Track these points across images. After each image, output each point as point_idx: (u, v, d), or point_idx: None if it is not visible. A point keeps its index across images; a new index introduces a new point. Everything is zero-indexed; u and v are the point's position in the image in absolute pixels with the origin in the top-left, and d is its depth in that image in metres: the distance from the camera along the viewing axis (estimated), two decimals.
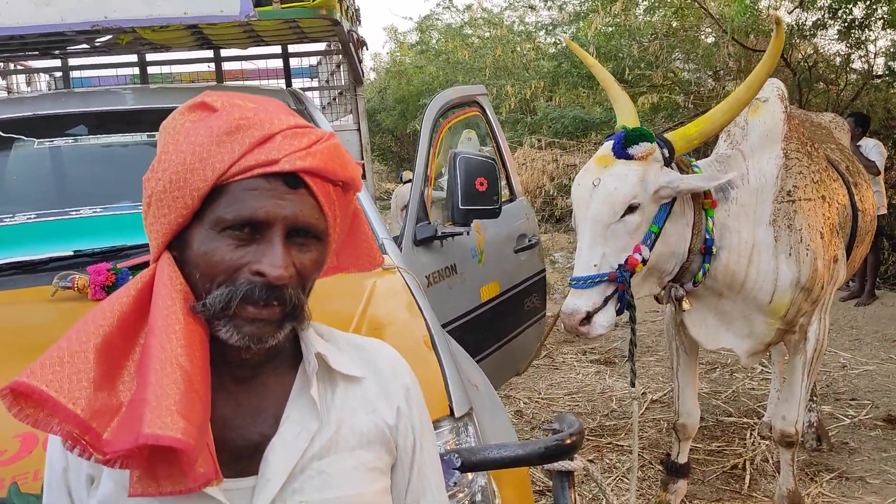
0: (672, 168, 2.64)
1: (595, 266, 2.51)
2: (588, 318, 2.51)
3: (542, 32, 13.59)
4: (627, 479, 3.86)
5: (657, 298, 3.06)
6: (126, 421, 0.85)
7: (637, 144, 2.53)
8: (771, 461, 3.91)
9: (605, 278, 2.49)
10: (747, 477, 3.75)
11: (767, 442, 4.09)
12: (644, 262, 2.53)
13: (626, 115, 2.79)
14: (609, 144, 2.62)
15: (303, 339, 1.01)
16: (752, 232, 2.80)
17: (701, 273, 2.76)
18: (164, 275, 0.93)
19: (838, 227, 3.05)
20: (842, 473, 3.78)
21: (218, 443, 0.93)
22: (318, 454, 0.96)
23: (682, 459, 3.43)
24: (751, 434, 4.22)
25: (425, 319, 1.95)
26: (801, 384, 3.09)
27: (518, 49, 14.25)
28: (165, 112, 1.02)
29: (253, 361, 0.96)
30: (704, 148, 4.76)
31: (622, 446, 4.25)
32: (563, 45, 12.20)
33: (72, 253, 2.24)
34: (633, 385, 2.68)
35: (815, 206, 2.88)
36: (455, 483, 1.35)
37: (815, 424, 4.08)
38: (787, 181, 2.84)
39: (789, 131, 2.94)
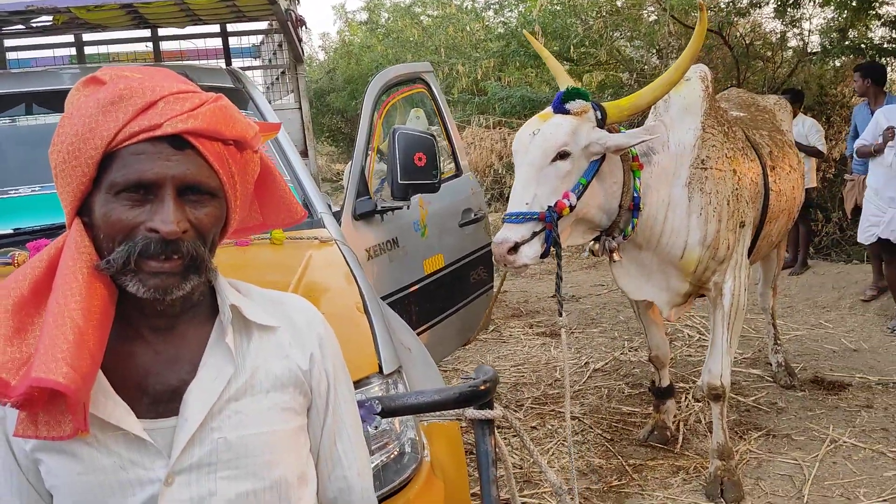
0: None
1: (527, 204, 2.75)
2: (516, 248, 2.73)
3: (490, 12, 13.64)
4: (566, 444, 4.03)
5: (592, 252, 3.33)
6: (28, 369, 0.93)
7: (573, 101, 2.83)
8: (703, 422, 4.11)
9: (535, 217, 2.73)
10: (680, 436, 3.93)
11: (700, 403, 4.29)
12: (571, 207, 2.79)
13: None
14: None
15: (218, 293, 1.09)
16: (668, 192, 3.14)
17: (630, 227, 3.08)
18: (71, 239, 1.02)
19: (748, 199, 3.33)
20: (769, 431, 3.99)
21: (138, 388, 1.02)
22: (235, 396, 1.05)
23: (665, 383, 3.94)
24: (685, 397, 4.41)
25: (359, 287, 2.04)
26: (723, 337, 3.34)
27: (468, 28, 14.28)
28: None
29: (169, 312, 1.05)
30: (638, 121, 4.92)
31: (564, 413, 4.40)
32: (512, 24, 12.30)
33: (11, 231, 2.27)
34: (560, 314, 2.89)
35: (725, 177, 3.21)
36: (377, 427, 1.45)
37: (783, 364, 4.63)
38: (702, 151, 3.18)
39: (708, 109, 3.27)
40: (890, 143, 5.37)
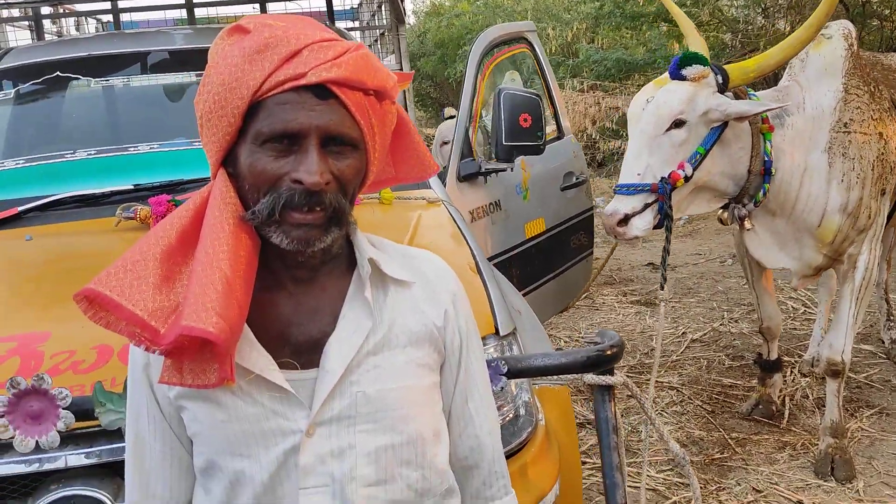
0: (728, 96, 2.77)
1: (639, 175, 2.68)
2: (626, 220, 2.69)
3: None
4: (667, 413, 3.94)
5: (721, 220, 3.21)
6: (178, 318, 0.94)
7: (690, 66, 2.70)
8: (811, 397, 3.95)
9: (647, 188, 2.67)
10: (786, 412, 3.79)
11: (807, 378, 4.12)
12: (686, 178, 2.70)
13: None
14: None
15: (356, 246, 1.08)
16: (804, 157, 2.99)
17: (761, 193, 2.94)
18: (217, 189, 1.02)
19: (892, 165, 3.15)
20: (882, 409, 3.80)
21: (280, 338, 1.03)
22: (373, 350, 1.04)
23: (773, 356, 3.75)
24: (791, 371, 4.25)
25: (470, 248, 2.02)
26: (849, 312, 3.18)
27: None
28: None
29: (309, 264, 1.04)
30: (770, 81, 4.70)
31: (661, 382, 4.31)
32: None
33: (132, 187, 2.34)
34: (662, 288, 2.85)
35: (869, 140, 3.02)
36: (502, 388, 1.43)
37: None
38: (844, 113, 3.00)
39: (852, 68, 3.08)
40: None
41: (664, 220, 2.71)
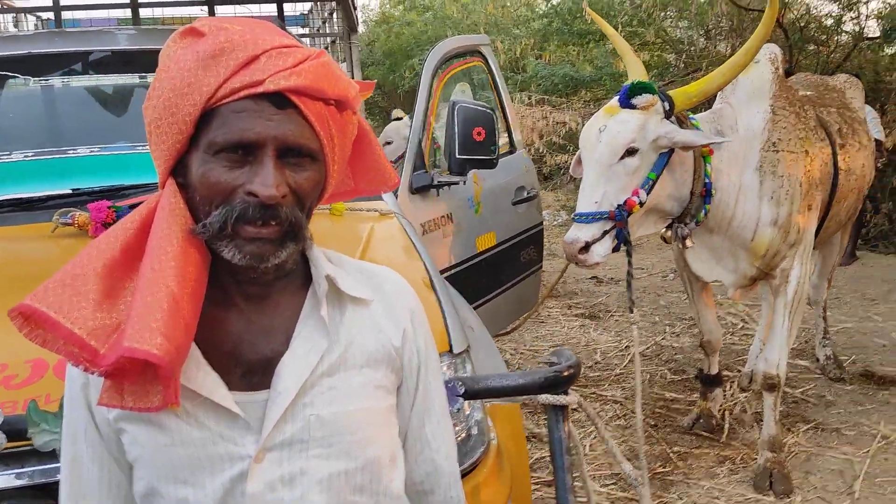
0: (672, 121, 2.87)
1: (596, 203, 2.76)
2: (587, 247, 2.77)
3: None
4: (610, 427, 3.97)
5: (664, 238, 3.32)
6: (119, 338, 0.88)
7: (640, 95, 2.79)
8: (750, 411, 4.03)
9: (605, 216, 2.75)
10: (726, 426, 3.86)
11: (746, 394, 4.21)
12: (641, 204, 2.79)
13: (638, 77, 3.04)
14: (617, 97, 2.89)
15: (312, 262, 1.04)
16: (739, 176, 3.11)
17: (702, 213, 3.06)
18: (165, 200, 0.96)
19: (817, 181, 3.29)
20: (818, 424, 3.90)
21: (230, 357, 0.97)
22: (328, 371, 1.00)
23: (714, 370, 3.86)
24: (730, 386, 4.33)
25: (423, 262, 1.99)
26: (783, 326, 3.29)
27: (509, 5, 14.09)
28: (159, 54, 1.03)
29: (263, 280, 0.99)
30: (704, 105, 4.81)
31: (605, 396, 4.35)
32: (555, 3, 12.10)
33: (70, 191, 2.25)
34: (631, 311, 2.98)
35: (797, 159, 3.16)
36: (458, 409, 1.41)
37: (832, 357, 4.53)
38: (773, 133, 3.13)
39: (778, 90, 3.22)
40: None
41: (621, 244, 2.80)
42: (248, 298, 1.00)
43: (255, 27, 0.97)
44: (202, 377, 0.95)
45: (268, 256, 0.94)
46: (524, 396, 1.35)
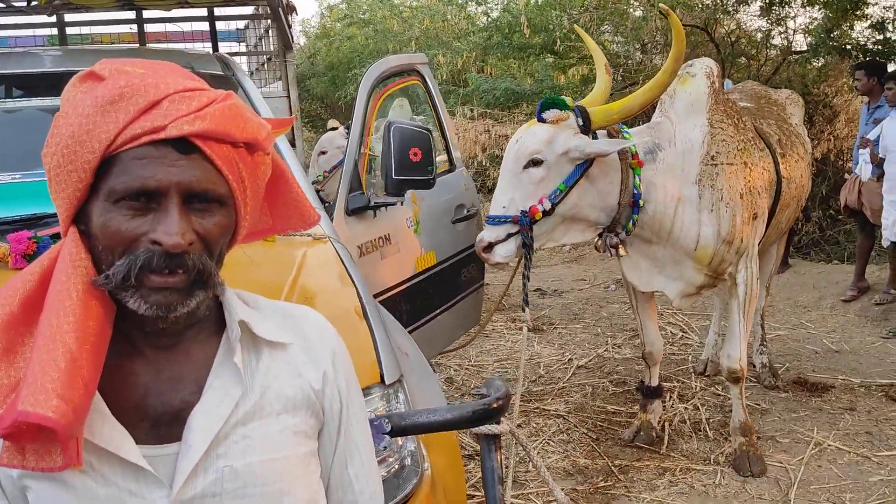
0: (597, 135, 3.01)
1: (504, 207, 2.96)
2: (490, 247, 2.97)
3: (473, 3, 13.53)
4: (553, 441, 3.99)
5: (596, 248, 3.41)
6: (16, 399, 0.85)
7: (549, 110, 2.98)
8: (688, 422, 4.10)
9: (510, 220, 2.94)
10: (666, 437, 3.92)
11: (684, 405, 4.28)
12: (545, 212, 2.95)
13: (593, 92, 3.27)
14: None
15: (226, 307, 1.01)
16: (678, 188, 3.20)
17: (630, 223, 3.18)
18: (66, 250, 0.93)
19: (760, 190, 3.40)
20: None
21: (138, 410, 0.94)
22: (243, 420, 0.97)
23: (654, 382, 3.95)
24: (670, 397, 4.40)
25: (356, 289, 1.97)
26: (739, 324, 3.48)
27: (449, 18, 14.16)
28: None
29: (172, 330, 0.96)
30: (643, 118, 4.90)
31: (549, 411, 4.37)
32: (495, 16, 12.22)
33: None
34: (524, 309, 3.17)
35: (736, 170, 3.26)
36: (385, 447, 1.39)
37: (767, 365, 4.66)
38: (712, 147, 3.22)
39: (715, 104, 3.30)
40: (861, 151, 5.54)
41: (524, 247, 2.96)
42: (156, 348, 0.97)
43: (158, 70, 0.94)
44: (108, 431, 0.92)
45: (175, 306, 0.92)
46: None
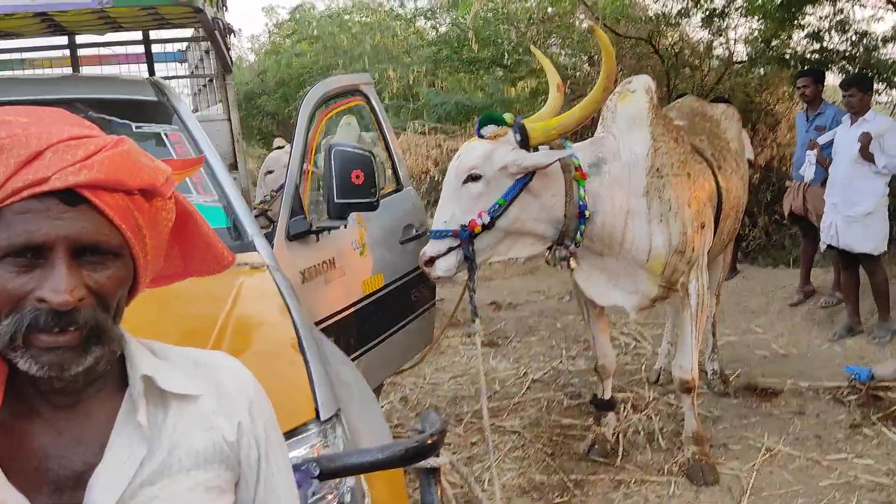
0: (535, 150, 3.02)
1: (445, 222, 3.00)
2: (431, 261, 3.00)
3: (421, 18, 13.57)
4: (509, 458, 3.97)
5: (547, 261, 3.47)
6: None
7: (487, 126, 3.03)
8: (642, 433, 4.12)
9: (450, 234, 2.98)
10: (620, 450, 3.92)
11: (638, 415, 4.30)
12: (484, 226, 2.97)
13: (543, 109, 3.32)
14: None
15: (129, 361, 0.97)
16: (626, 200, 3.23)
17: (578, 234, 3.20)
18: None
19: (705, 200, 3.48)
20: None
21: (36, 474, 0.89)
22: (150, 479, 0.93)
23: (608, 395, 3.99)
24: (624, 408, 4.41)
25: (293, 321, 1.93)
26: (691, 335, 3.54)
27: (399, 34, 14.16)
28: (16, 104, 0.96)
29: (70, 388, 0.92)
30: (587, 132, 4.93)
31: (504, 427, 4.36)
32: (443, 30, 12.27)
33: None
34: (473, 321, 3.23)
35: (682, 182, 3.33)
36: (314, 493, 1.35)
37: (718, 371, 4.71)
38: (656, 159, 3.28)
39: (655, 118, 3.37)
40: (808, 153, 5.67)
41: (464, 262, 2.99)
42: (55, 407, 0.92)
43: (43, 118, 0.90)
44: (5, 498, 0.86)
45: (69, 365, 0.87)
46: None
